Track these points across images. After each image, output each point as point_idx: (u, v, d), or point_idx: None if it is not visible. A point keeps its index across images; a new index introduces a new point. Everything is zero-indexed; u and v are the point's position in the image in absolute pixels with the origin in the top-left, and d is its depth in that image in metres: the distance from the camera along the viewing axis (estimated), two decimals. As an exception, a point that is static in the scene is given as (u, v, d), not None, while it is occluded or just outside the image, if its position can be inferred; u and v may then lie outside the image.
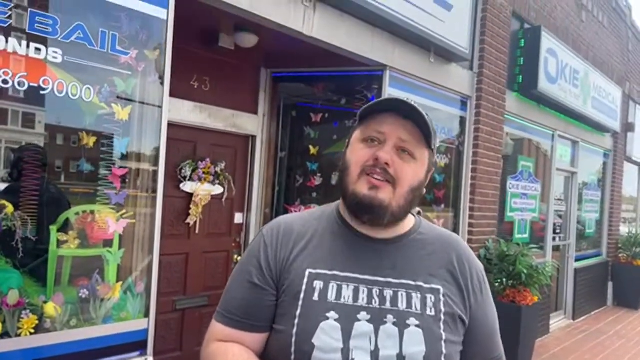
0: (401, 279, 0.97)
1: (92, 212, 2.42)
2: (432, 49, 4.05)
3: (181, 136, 3.62)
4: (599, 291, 7.90)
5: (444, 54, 4.15)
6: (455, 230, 4.69)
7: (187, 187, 3.60)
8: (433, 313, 0.95)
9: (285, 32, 3.10)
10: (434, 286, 0.98)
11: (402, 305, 0.94)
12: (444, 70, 4.32)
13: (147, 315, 2.47)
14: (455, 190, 4.72)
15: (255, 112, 4.07)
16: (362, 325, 0.92)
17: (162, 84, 2.48)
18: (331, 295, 0.94)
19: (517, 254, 4.48)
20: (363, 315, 0.93)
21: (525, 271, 4.38)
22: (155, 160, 2.54)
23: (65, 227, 2.34)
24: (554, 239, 6.48)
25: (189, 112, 3.60)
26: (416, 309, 0.94)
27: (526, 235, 5.70)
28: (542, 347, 5.39)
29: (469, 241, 4.65)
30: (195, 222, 3.72)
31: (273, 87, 4.16)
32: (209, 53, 3.68)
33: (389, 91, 3.82)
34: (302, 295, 0.95)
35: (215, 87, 3.78)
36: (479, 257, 4.66)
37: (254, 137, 4.07)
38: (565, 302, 6.94)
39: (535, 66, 5.24)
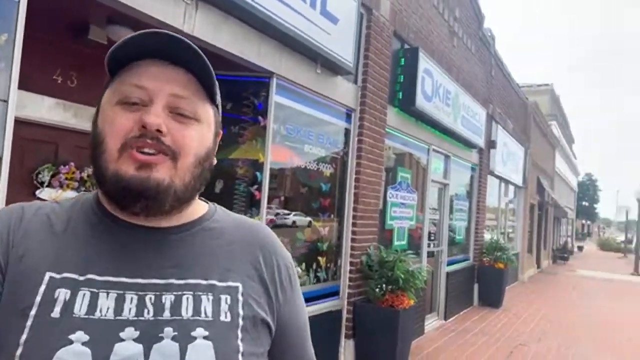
0: (188, 278, 0.73)
1: None
2: (319, 61, 4.11)
3: (39, 136, 3.20)
4: (466, 292, 8.67)
5: (330, 65, 4.24)
6: (340, 237, 4.81)
7: (44, 194, 3.18)
8: (228, 319, 0.73)
9: (163, 29, 2.89)
10: (231, 284, 0.76)
11: (186, 312, 0.70)
12: (331, 82, 4.41)
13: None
14: (339, 199, 4.83)
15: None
16: (126, 347, 0.65)
17: (10, 74, 2.13)
18: (80, 309, 0.66)
19: (395, 259, 4.70)
20: (128, 332, 0.66)
21: (403, 276, 4.61)
22: (-2, 162, 2.17)
23: None
24: (428, 245, 6.97)
25: (50, 110, 3.19)
26: (206, 315, 0.71)
27: (404, 242, 6.03)
28: (417, 348, 5.73)
29: (352, 248, 4.78)
30: (56, 234, 3.29)
31: (152, 88, 3.87)
32: (77, 46, 3.32)
33: (276, 99, 3.79)
34: (33, 312, 0.65)
35: (83, 83, 3.41)
36: (360, 263, 4.83)
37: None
38: (438, 303, 7.49)
39: (414, 84, 5.61)
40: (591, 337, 7.30)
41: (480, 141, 8.54)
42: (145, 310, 0.68)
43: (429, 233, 7.03)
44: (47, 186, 3.20)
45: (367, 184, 4.95)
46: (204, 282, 0.74)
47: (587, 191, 49.89)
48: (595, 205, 53.37)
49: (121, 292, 0.69)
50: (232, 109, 3.99)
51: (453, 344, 6.24)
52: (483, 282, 9.14)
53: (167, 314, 0.69)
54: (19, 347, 0.63)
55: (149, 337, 0.66)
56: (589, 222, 58.07)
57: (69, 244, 0.72)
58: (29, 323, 0.64)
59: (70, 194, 3.32)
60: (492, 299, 9.04)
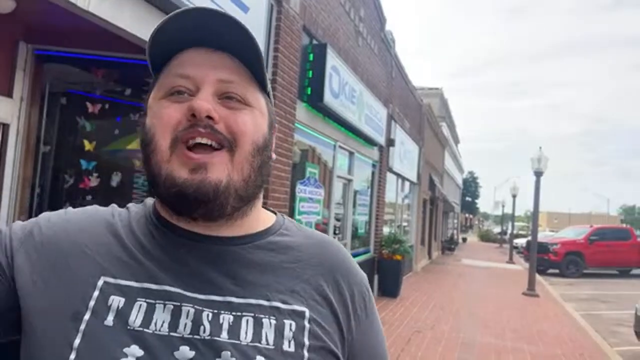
0: (249, 297, 0.65)
1: None
2: (228, 49, 3.94)
3: None
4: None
5: (240, 55, 4.09)
6: (247, 234, 4.68)
7: None
8: (292, 348, 0.63)
9: (53, 1, 2.55)
10: (296, 308, 0.66)
11: (245, 336, 0.62)
12: (240, 72, 4.25)
13: None
14: (247, 194, 4.70)
15: (10, 95, 3.28)
16: None
17: None
18: (135, 319, 0.60)
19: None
20: (183, 351, 0.59)
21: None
22: None
23: None
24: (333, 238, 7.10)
25: None
26: (267, 343, 0.63)
27: (311, 237, 6.08)
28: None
29: (260, 245, 4.69)
30: None
31: (36, 67, 3.42)
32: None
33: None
34: (86, 316, 0.60)
35: (-53, 56, 2.90)
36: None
37: (5, 126, 3.27)
38: (341, 296, 7.67)
39: (322, 80, 5.66)
40: (476, 321, 8.01)
41: (381, 139, 8.91)
42: (202, 328, 0.62)
43: (334, 227, 7.17)
44: None
45: (276, 178, 4.89)
46: (266, 303, 0.66)
47: (470, 187, 54.84)
48: (476, 201, 58.88)
49: (177, 304, 0.63)
50: (131, 95, 3.68)
51: (356, 334, 6.43)
52: (382, 273, 9.58)
53: (224, 335, 0.62)
54: (73, 352, 0.58)
55: (204, 359, 0.60)
56: (470, 215, 63.95)
57: (127, 250, 0.67)
58: (82, 327, 0.60)
59: None
60: (390, 289, 9.51)
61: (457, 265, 18.79)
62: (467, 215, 59.92)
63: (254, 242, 0.71)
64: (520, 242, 27.00)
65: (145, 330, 0.60)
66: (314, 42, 5.86)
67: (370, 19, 8.27)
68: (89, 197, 3.61)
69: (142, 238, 0.68)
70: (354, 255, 8.20)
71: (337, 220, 7.51)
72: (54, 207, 3.56)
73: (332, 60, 5.89)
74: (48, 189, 3.70)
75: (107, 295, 0.62)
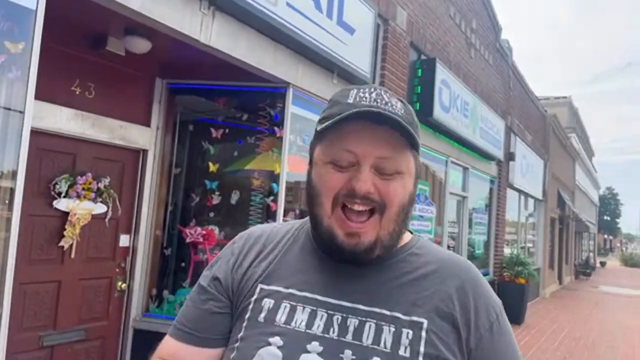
0: (374, 306, 0.77)
1: None
2: (335, 71, 4.08)
3: (57, 147, 3.20)
4: (486, 308, 8.42)
5: (347, 76, 4.20)
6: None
7: (61, 204, 3.17)
8: (407, 354, 0.72)
9: (181, 39, 2.89)
10: (415, 319, 0.75)
11: (367, 339, 0.74)
12: (347, 92, 4.36)
13: (-6, 356, 2.05)
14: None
15: (148, 125, 3.75)
16: (310, 358, 0.73)
17: (27, 84, 2.12)
18: (280, 317, 0.77)
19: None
20: (314, 345, 0.74)
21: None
22: (14, 174, 2.16)
23: None
24: (447, 259, 6.80)
25: (68, 120, 3.20)
26: (384, 347, 0.73)
27: (423, 256, 5.90)
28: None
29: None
30: (71, 245, 3.27)
31: (169, 99, 3.88)
32: (95, 57, 3.33)
33: (292, 109, 3.75)
34: (247, 315, 0.80)
35: (101, 94, 3.42)
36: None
37: (145, 152, 3.74)
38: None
39: (431, 95, 5.54)
40: (617, 357, 7.01)
41: (499, 153, 8.40)
42: (332, 329, 0.75)
43: (448, 247, 6.87)
44: (64, 197, 3.19)
45: (384, 195, 4.87)
46: (388, 312, 0.76)
47: (609, 205, 48.82)
48: (617, 220, 52.13)
49: (314, 308, 0.78)
50: (248, 119, 3.97)
51: (474, 361, 6.03)
52: (504, 297, 8.65)
53: (349, 337, 0.74)
54: (238, 342, 0.78)
55: (330, 354, 0.73)
56: (610, 237, 56.72)
57: (280, 260, 0.85)
58: (244, 324, 0.79)
59: (86, 204, 3.31)
60: (513, 315, 8.78)
61: (594, 292, 16.72)
62: (606, 236, 53.27)
63: (386, 262, 0.81)
64: (676, 268, 23.14)
65: (287, 326, 0.76)
66: (422, 57, 5.79)
67: (484, 29, 7.93)
68: (212, 214, 3.94)
69: (292, 251, 0.86)
70: (471, 277, 7.75)
71: (452, 239, 7.20)
72: (184, 223, 3.97)
73: (442, 74, 5.75)
74: (179, 206, 4.12)
75: (261, 298, 0.81)
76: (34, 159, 3.02)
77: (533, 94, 11.76)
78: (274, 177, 3.76)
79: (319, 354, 0.73)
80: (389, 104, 0.77)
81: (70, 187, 3.22)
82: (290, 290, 0.80)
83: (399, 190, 0.78)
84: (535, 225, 13.29)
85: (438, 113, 5.65)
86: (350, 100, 0.77)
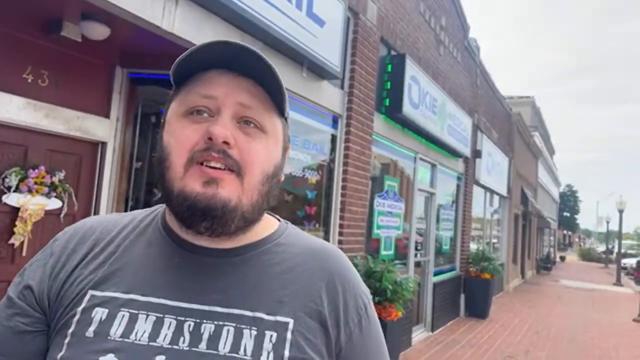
0: (233, 307, 0.66)
1: None
2: (305, 63, 4.00)
3: (7, 138, 3.00)
4: (453, 303, 8.57)
5: (317, 70, 4.12)
6: (325, 248, 4.65)
7: (11, 199, 2.97)
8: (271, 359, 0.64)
9: (141, 25, 2.74)
10: (280, 319, 0.66)
11: (223, 347, 0.63)
12: (317, 86, 4.29)
13: None
14: (326, 207, 4.69)
15: (107, 116, 3.57)
16: None
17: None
18: (116, 330, 0.63)
19: (383, 270, 4.56)
20: None
21: (390, 287, 4.47)
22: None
23: None
24: (415, 255, 6.85)
25: (19, 110, 2.99)
26: (244, 354, 0.63)
27: (391, 252, 5.91)
28: (405, 361, 5.57)
29: (338, 259, 4.63)
30: (23, 243, 3.08)
31: (130, 89, 3.70)
32: (49, 43, 3.13)
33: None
34: (71, 330, 0.64)
35: (56, 83, 3.22)
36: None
37: (104, 144, 3.56)
38: (425, 315, 7.36)
39: (400, 91, 5.53)
40: (578, 349, 7.24)
41: (466, 150, 8.51)
42: (181, 339, 0.63)
43: (416, 243, 6.92)
44: (14, 191, 2.99)
45: (354, 191, 4.82)
46: (249, 313, 0.66)
47: (568, 202, 50.62)
48: (575, 216, 54.17)
49: (161, 315, 0.65)
50: (214, 112, 3.84)
51: (441, 356, 6.10)
52: (469, 292, 9.06)
53: (202, 346, 0.63)
54: None
55: None
56: (569, 232, 58.89)
57: (117, 259, 0.70)
58: (66, 340, 0.64)
59: (39, 199, 3.11)
60: (478, 309, 8.96)
61: (555, 286, 17.30)
62: (565, 232, 55.31)
63: (248, 253, 0.72)
64: (630, 262, 24.27)
65: (126, 340, 0.63)
66: (392, 52, 5.77)
67: (453, 27, 8.00)
68: (175, 210, 3.81)
69: (136, 248, 0.72)
70: (438, 273, 7.85)
71: (420, 235, 7.25)
72: (145, 219, 3.81)
73: (411, 70, 5.75)
74: (141, 202, 3.96)
75: (91, 308, 0.65)
76: (-20, 151, 2.82)
77: (499, 92, 12.00)
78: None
79: None
80: (259, 59, 0.68)
81: (21, 181, 3.02)
82: (131, 296, 0.66)
83: (261, 152, 0.69)
84: (500, 221, 13.61)
85: (407, 109, 5.65)
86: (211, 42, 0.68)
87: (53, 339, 0.66)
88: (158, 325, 0.64)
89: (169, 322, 0.64)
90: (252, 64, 0.67)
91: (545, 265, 23.18)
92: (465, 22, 8.61)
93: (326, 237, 4.67)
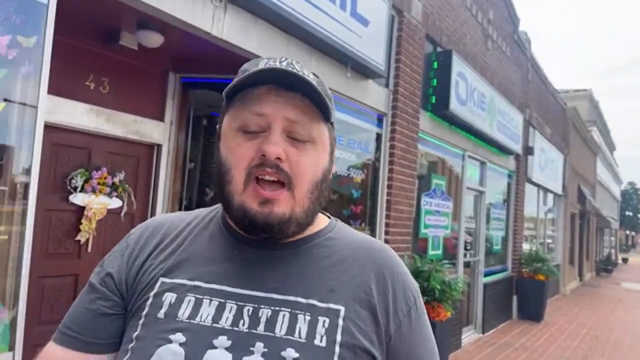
0: (288, 294, 0.72)
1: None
2: (349, 63, 4.03)
3: (72, 142, 3.23)
4: (505, 305, 8.31)
5: (361, 69, 4.15)
6: (372, 246, 4.66)
7: (77, 199, 3.19)
8: (323, 343, 0.68)
9: (193, 33, 2.88)
10: (332, 306, 0.71)
11: (280, 330, 0.69)
12: (361, 85, 4.31)
13: (12, 348, 2.07)
14: (371, 206, 4.70)
15: (162, 119, 3.76)
16: (216, 355, 0.66)
17: (39, 78, 2.13)
18: (183, 312, 0.70)
19: (430, 270, 4.52)
20: (221, 340, 0.68)
21: (439, 287, 4.42)
22: (28, 169, 2.17)
23: None
24: (464, 255, 6.72)
25: (83, 115, 3.22)
26: (299, 336, 0.68)
27: (439, 252, 5.83)
28: (454, 362, 5.48)
29: (385, 258, 4.62)
30: (88, 239, 3.30)
31: (182, 94, 3.88)
32: (109, 52, 3.34)
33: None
34: (144, 312, 0.72)
35: (115, 89, 3.43)
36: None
37: (159, 146, 3.75)
38: (475, 316, 7.19)
39: (447, 88, 5.45)
40: (639, 355, 6.84)
41: (517, 147, 8.24)
42: (241, 322, 0.69)
43: (465, 242, 6.78)
44: (80, 191, 3.21)
45: (399, 190, 4.81)
46: (303, 300, 0.72)
47: (631, 200, 47.69)
48: (639, 215, 50.94)
49: (223, 300, 0.71)
50: (261, 114, 3.95)
51: (493, 358, 5.95)
52: (522, 294, 8.75)
53: (261, 328, 0.69)
54: (133, 342, 0.70)
55: (239, 348, 0.67)
56: (633, 232, 55.44)
57: (184, 250, 0.78)
58: (140, 322, 0.71)
59: (102, 199, 3.33)
60: (532, 312, 8.64)
61: (616, 289, 16.35)
62: (628, 232, 52.10)
63: (302, 246, 0.78)
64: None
65: (191, 321, 0.70)
66: (438, 49, 5.69)
67: (501, 20, 7.77)
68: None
69: (200, 241, 0.79)
70: (489, 273, 7.65)
71: (469, 234, 7.09)
72: (197, 218, 3.97)
73: (458, 66, 5.65)
74: (194, 201, 4.13)
75: (162, 292, 0.73)
76: (49, 154, 3.04)
77: (552, 86, 11.51)
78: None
79: (226, 348, 0.67)
80: (300, 73, 0.74)
81: (85, 181, 3.24)
82: (196, 283, 0.73)
83: (310, 163, 0.74)
84: (554, 220, 13.04)
85: (454, 106, 5.56)
86: (261, 67, 0.73)
87: (129, 321, 0.74)
88: (220, 309, 0.71)
89: (230, 307, 0.71)
90: (298, 81, 0.73)
91: (606, 267, 21.96)
92: (515, 14, 8.33)
93: (372, 236, 4.67)
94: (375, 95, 4.55)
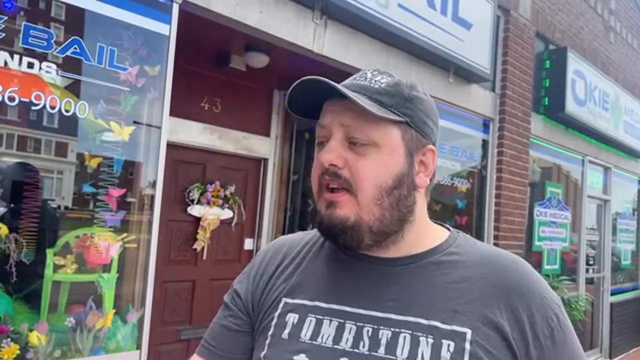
0: (407, 315, 0.69)
1: (92, 235, 2.31)
2: (451, 69, 3.90)
3: (190, 158, 3.53)
4: (637, 327, 7.35)
5: (464, 74, 3.99)
6: (479, 259, 4.42)
7: (194, 210, 3.48)
8: None
9: (295, 51, 3.00)
10: (456, 328, 0.66)
11: (402, 352, 0.66)
12: (464, 90, 4.14)
13: (139, 347, 2.30)
14: (478, 217, 4.47)
15: (268, 135, 3.96)
16: None
17: (162, 102, 2.37)
18: (306, 333, 0.71)
19: (546, 286, 4.16)
20: None
21: (556, 305, 4.04)
22: (154, 183, 2.42)
23: (63, 251, 2.25)
24: (587, 270, 6.07)
25: (198, 134, 3.51)
26: None
27: (556, 266, 5.34)
28: (577, 389, 4.96)
29: (494, 272, 4.36)
30: (203, 248, 3.57)
31: (286, 110, 4.04)
32: (220, 74, 3.61)
33: (406, 112, 3.66)
34: (270, 332, 0.75)
35: (226, 108, 3.70)
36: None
37: (265, 160, 3.95)
38: (601, 339, 6.45)
39: (562, 88, 5.01)
40: None
41: (649, 149, 7.29)
42: (362, 343, 0.68)
43: (587, 256, 6.13)
44: (196, 203, 3.50)
45: (509, 199, 4.51)
46: (424, 322, 0.68)
47: None
48: None
49: (342, 320, 0.71)
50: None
51: (623, 388, 5.28)
52: (660, 317, 7.66)
53: (381, 351, 0.67)
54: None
55: None
56: None
57: (304, 270, 0.79)
58: (267, 342, 0.74)
59: (215, 210, 3.59)
60: (673, 338, 7.52)
61: None
62: None
63: (417, 262, 0.74)
64: None
65: (314, 342, 0.70)
66: (551, 47, 5.27)
67: (625, 9, 6.98)
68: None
69: (316, 261, 0.80)
70: (618, 292, 6.83)
71: (591, 248, 6.41)
72: (302, 227, 4.10)
73: (575, 63, 5.17)
74: (297, 212, 4.28)
75: (285, 313, 0.75)
76: (170, 170, 3.36)
77: (693, 78, 10.02)
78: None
79: None
80: (367, 80, 0.74)
81: (201, 194, 3.52)
82: (316, 303, 0.74)
83: (371, 167, 0.70)
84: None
85: (571, 107, 5.09)
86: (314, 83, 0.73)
87: (257, 340, 0.78)
88: (340, 329, 0.70)
89: (350, 327, 0.70)
90: (348, 88, 0.73)
91: None
92: (643, 1, 7.43)
93: (479, 248, 4.44)
94: (480, 99, 4.34)
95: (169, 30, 2.33)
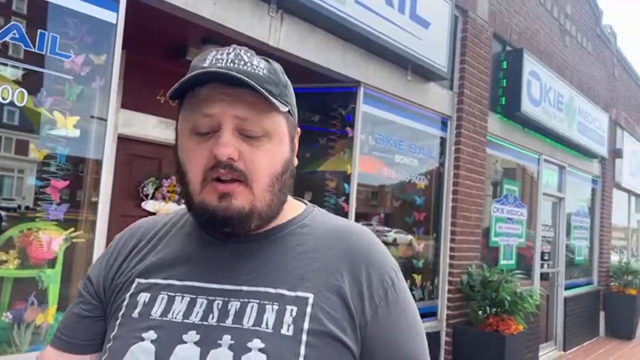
0: (258, 286, 0.71)
1: (37, 230, 2.23)
2: (409, 67, 3.96)
3: (145, 152, 3.46)
4: (590, 321, 7.65)
5: (422, 72, 4.05)
6: (437, 255, 4.51)
7: (149, 206, 3.41)
8: (290, 332, 0.67)
9: (251, 44, 2.98)
10: (300, 294, 0.70)
11: (248, 321, 0.68)
12: (422, 89, 4.21)
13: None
14: (436, 213, 4.55)
15: (226, 129, 3.92)
16: (185, 349, 0.67)
17: (109, 93, 2.31)
18: (156, 310, 0.72)
19: (500, 280, 4.28)
20: (191, 335, 0.68)
21: (509, 298, 4.17)
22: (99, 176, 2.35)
23: (5, 246, 2.17)
24: (542, 265, 6.28)
25: (154, 127, 3.44)
26: (266, 327, 0.68)
27: (512, 262, 5.50)
28: (530, 380, 5.12)
29: (451, 266, 4.46)
30: (158, 244, 3.51)
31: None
32: (178, 67, 3.55)
33: (364, 108, 3.70)
34: (121, 312, 0.74)
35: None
36: (460, 283, 4.48)
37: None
38: (555, 332, 6.69)
39: (518, 88, 5.17)
40: None
41: (602, 150, 7.60)
42: (211, 315, 0.70)
43: (542, 252, 6.34)
44: (151, 198, 3.43)
45: (466, 196, 4.61)
46: (272, 290, 0.71)
47: None
48: None
49: (194, 296, 0.72)
50: (320, 121, 3.99)
51: (574, 378, 5.49)
52: (611, 309, 8.01)
53: (229, 321, 0.69)
54: (111, 341, 0.73)
55: (207, 342, 0.67)
56: None
57: (160, 251, 0.79)
58: (117, 322, 0.73)
59: (171, 205, 3.53)
60: (622, 329, 7.87)
61: None
62: None
63: (274, 235, 0.77)
64: None
65: (164, 319, 0.71)
66: (508, 48, 5.43)
67: (580, 14, 7.25)
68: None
69: (175, 240, 0.80)
70: (572, 286, 7.09)
71: (547, 243, 6.63)
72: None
73: (530, 65, 5.34)
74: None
75: (137, 293, 0.75)
76: (124, 164, 3.29)
77: (644, 83, 10.50)
78: (347, 178, 3.73)
79: (195, 342, 0.67)
80: (248, 64, 0.72)
81: (156, 189, 3.46)
82: (170, 281, 0.74)
83: (265, 160, 0.72)
84: (650, 230, 11.82)
85: (527, 107, 5.25)
86: (206, 64, 0.72)
87: (109, 322, 0.77)
88: (192, 305, 0.71)
89: (201, 302, 0.71)
90: (240, 75, 0.70)
91: None
92: (597, 7, 7.74)
93: (437, 245, 4.53)
94: (438, 98, 4.42)
95: (116, 18, 2.28)
